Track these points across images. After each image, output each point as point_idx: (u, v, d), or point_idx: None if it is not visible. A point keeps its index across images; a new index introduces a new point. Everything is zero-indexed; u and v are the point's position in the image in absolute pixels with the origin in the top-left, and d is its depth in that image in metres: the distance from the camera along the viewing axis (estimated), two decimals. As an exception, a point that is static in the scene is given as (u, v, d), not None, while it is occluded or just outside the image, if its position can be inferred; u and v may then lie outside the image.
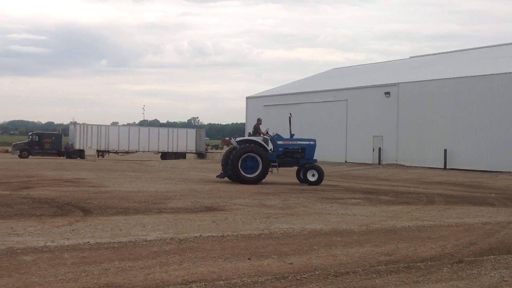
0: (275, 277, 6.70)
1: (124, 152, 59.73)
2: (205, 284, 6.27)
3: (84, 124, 58.74)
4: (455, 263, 7.79)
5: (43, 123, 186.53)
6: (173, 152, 59.81)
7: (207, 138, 75.12)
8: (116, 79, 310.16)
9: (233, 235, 9.49)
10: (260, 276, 6.71)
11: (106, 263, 7.11)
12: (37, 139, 56.61)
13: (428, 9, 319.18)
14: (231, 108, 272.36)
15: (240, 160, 21.07)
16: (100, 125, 58.92)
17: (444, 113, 36.19)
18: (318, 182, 22.02)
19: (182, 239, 8.94)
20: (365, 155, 41.06)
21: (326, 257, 7.97)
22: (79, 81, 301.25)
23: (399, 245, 9.08)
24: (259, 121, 23.68)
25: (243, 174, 21.17)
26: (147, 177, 24.23)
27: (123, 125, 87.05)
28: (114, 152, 59.17)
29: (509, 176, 29.59)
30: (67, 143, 58.09)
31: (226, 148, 51.66)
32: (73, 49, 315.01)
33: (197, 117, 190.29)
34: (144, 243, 8.53)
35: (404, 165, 37.51)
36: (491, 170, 32.60)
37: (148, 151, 60.33)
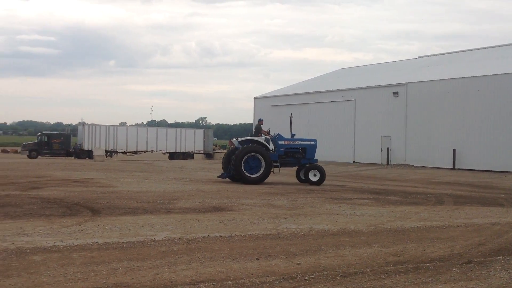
0: (283, 277, 6.69)
1: (132, 153, 59.91)
2: (213, 284, 6.28)
3: (92, 124, 58.98)
4: (464, 264, 7.75)
5: (52, 123, 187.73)
6: (181, 153, 59.92)
7: (215, 138, 75.23)
8: (124, 79, 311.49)
9: (241, 235, 9.49)
10: (268, 276, 6.70)
11: (115, 263, 7.13)
12: (46, 140, 56.90)
13: (437, 8, 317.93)
14: (239, 108, 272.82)
15: (243, 160, 21.06)
16: (109, 126, 59.14)
17: (453, 113, 36.03)
18: (320, 182, 22.02)
19: (190, 239, 8.95)
20: (373, 155, 40.94)
21: (334, 257, 7.96)
22: (87, 82, 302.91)
23: (407, 245, 9.05)
24: (260, 121, 23.70)
25: (246, 174, 21.15)
26: (155, 177, 24.28)
27: (131, 125, 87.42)
28: (123, 153, 59.36)
29: (518, 176, 29.40)
30: (76, 144, 58.34)
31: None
32: (82, 50, 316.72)
33: (205, 118, 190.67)
34: (152, 243, 8.55)
35: (412, 165, 37.38)
36: (500, 170, 32.41)
37: (156, 152, 60.48)
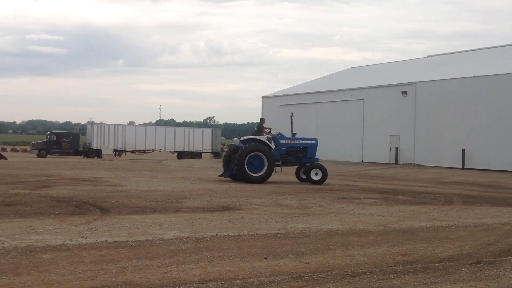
0: (291, 277, 6.69)
1: (141, 152, 60.11)
2: (221, 283, 6.28)
3: (101, 123, 59.23)
4: (474, 264, 7.71)
5: (61, 122, 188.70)
6: (189, 152, 60.05)
7: (223, 138, 75.27)
8: (133, 79, 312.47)
9: (249, 234, 9.49)
10: (276, 276, 6.70)
11: (124, 261, 7.16)
12: (55, 139, 57.20)
13: (446, 7, 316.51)
14: (247, 108, 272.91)
15: (246, 159, 21.04)
16: (117, 125, 59.37)
17: (462, 113, 35.85)
18: (321, 181, 22.00)
19: (198, 238, 8.97)
20: (382, 154, 40.84)
21: (343, 257, 7.94)
22: (96, 81, 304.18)
23: (416, 245, 9.02)
24: (262, 120, 23.68)
25: (249, 173, 21.13)
26: (164, 176, 24.34)
27: (140, 124, 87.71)
28: (131, 152, 59.58)
29: (528, 176, 29.22)
30: (85, 143, 58.60)
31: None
32: (91, 49, 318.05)
33: (213, 117, 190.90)
34: (161, 242, 8.57)
35: (421, 165, 37.24)
36: (510, 170, 32.23)
37: (165, 151, 60.66)
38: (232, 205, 13.76)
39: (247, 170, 21.09)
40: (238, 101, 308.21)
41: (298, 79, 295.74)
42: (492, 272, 7.28)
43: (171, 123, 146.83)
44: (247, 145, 21.50)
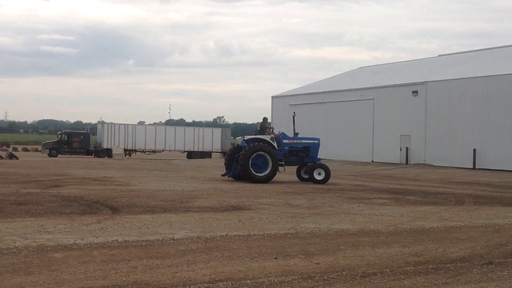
0: (301, 277, 6.68)
1: (151, 151, 60.32)
2: (232, 283, 6.29)
3: (111, 123, 59.51)
4: (485, 265, 7.66)
5: (72, 122, 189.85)
6: (199, 151, 60.16)
7: (232, 137, 75.33)
8: (143, 79, 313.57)
9: (259, 234, 9.49)
10: (286, 276, 6.70)
11: (134, 261, 7.18)
12: (66, 138, 57.53)
13: (457, 6, 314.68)
14: (257, 108, 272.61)
15: (250, 159, 21.03)
16: (127, 125, 59.62)
17: (473, 112, 35.63)
18: (324, 180, 21.97)
19: (208, 238, 8.98)
20: (392, 154, 40.68)
21: (353, 257, 7.92)
22: (106, 81, 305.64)
23: (427, 246, 8.97)
24: (265, 119, 23.63)
25: (254, 173, 21.10)
26: (173, 176, 24.41)
27: (150, 124, 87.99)
28: (141, 151, 59.80)
29: (540, 176, 28.97)
30: (96, 142, 58.88)
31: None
32: (101, 49, 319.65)
33: (222, 117, 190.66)
34: (171, 241, 8.59)
35: (432, 165, 37.06)
36: (522, 170, 31.96)
37: (174, 150, 60.81)
38: (242, 205, 13.77)
39: (251, 170, 21.05)
40: (248, 101, 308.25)
41: (308, 79, 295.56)
42: (504, 273, 7.22)
43: (181, 122, 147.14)
44: (251, 144, 21.45)
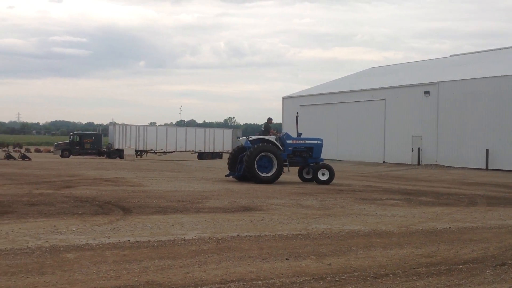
0: (313, 278, 6.66)
1: (162, 152, 60.53)
2: (243, 284, 6.29)
3: (123, 124, 59.81)
4: (498, 266, 7.60)
5: (84, 123, 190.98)
6: (209, 152, 60.26)
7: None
8: (154, 80, 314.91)
9: (270, 235, 9.49)
10: (298, 277, 6.69)
11: (146, 261, 7.21)
12: (78, 139, 57.89)
13: (469, 6, 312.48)
14: (267, 108, 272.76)
15: (256, 160, 20.98)
16: (139, 126, 59.89)
17: (486, 113, 35.36)
18: (328, 181, 21.94)
19: (220, 238, 8.99)
20: (404, 155, 40.47)
21: (365, 258, 7.89)
22: (118, 82, 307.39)
23: (440, 247, 8.92)
24: (269, 120, 23.59)
25: (260, 173, 21.06)
26: (184, 176, 24.47)
27: (161, 125, 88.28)
28: (152, 152, 60.01)
29: (554, 177, 28.69)
30: (109, 143, 59.14)
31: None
32: (113, 50, 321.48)
33: (233, 117, 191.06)
34: (182, 242, 8.61)
35: (444, 166, 36.82)
36: (535, 171, 31.67)
37: (185, 151, 60.97)
38: (253, 205, 13.76)
39: (257, 171, 21.02)
40: (259, 102, 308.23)
41: (318, 80, 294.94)
42: (518, 275, 7.16)
43: (191, 123, 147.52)
44: (256, 145, 21.38)
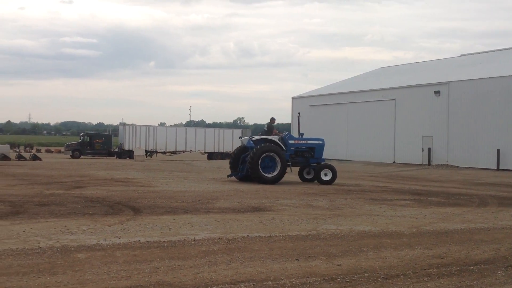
0: (323, 279, 6.65)
1: (172, 153, 60.68)
2: (253, 284, 6.29)
3: (133, 125, 60.05)
4: (510, 267, 7.56)
5: (94, 124, 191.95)
6: (219, 153, 60.32)
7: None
8: (163, 80, 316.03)
9: (280, 235, 9.48)
10: (308, 277, 6.68)
11: (157, 261, 7.23)
12: (88, 140, 58.15)
13: (480, 5, 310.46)
14: (277, 109, 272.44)
15: (260, 160, 20.91)
16: (148, 126, 60.09)
17: (497, 113, 35.11)
18: (331, 181, 21.92)
19: (230, 239, 8.99)
20: (414, 155, 40.27)
21: (376, 259, 7.86)
22: (128, 83, 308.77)
23: (451, 247, 8.87)
24: (272, 120, 23.54)
25: (263, 174, 21.00)
26: (194, 177, 24.51)
27: (171, 126, 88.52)
28: (162, 153, 60.17)
29: None
30: (120, 144, 59.35)
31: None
32: (123, 51, 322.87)
33: (242, 118, 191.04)
34: (192, 242, 8.63)
35: (455, 166, 36.60)
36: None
37: (195, 151, 61.08)
38: (263, 206, 13.76)
39: (261, 171, 20.97)
40: (268, 102, 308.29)
41: (328, 80, 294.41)
42: (530, 276, 7.10)
43: (201, 124, 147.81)
44: (259, 145, 21.29)
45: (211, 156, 59.62)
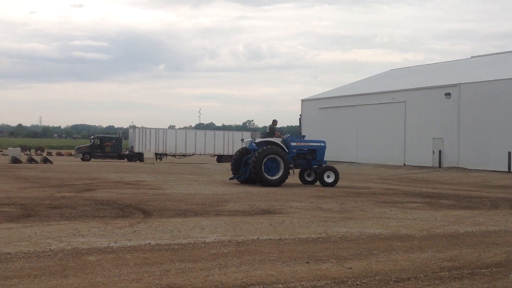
0: (334, 282, 6.63)
1: (181, 155, 60.77)
2: (263, 287, 6.28)
3: (142, 127, 60.20)
4: (523, 271, 7.48)
5: (104, 127, 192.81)
6: (228, 155, 60.22)
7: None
8: (173, 83, 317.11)
9: (290, 238, 9.47)
10: (319, 280, 6.66)
11: (167, 264, 7.24)
12: (98, 143, 58.38)
13: (490, 7, 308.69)
14: (286, 111, 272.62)
15: (263, 162, 20.87)
16: (158, 129, 60.23)
17: (508, 114, 34.84)
18: (334, 183, 21.93)
19: (240, 241, 8.99)
20: (425, 158, 40.07)
21: (386, 262, 7.82)
22: (138, 86, 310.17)
23: (462, 250, 8.81)
24: (274, 122, 23.50)
25: (267, 176, 20.94)
26: (204, 179, 24.54)
27: (180, 128, 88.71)
28: (172, 155, 60.28)
29: None
30: (131, 146, 59.52)
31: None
32: (133, 54, 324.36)
33: (252, 120, 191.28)
34: (203, 245, 8.64)
35: (466, 168, 36.37)
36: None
37: (204, 154, 61.14)
38: (273, 208, 13.75)
39: (264, 173, 20.91)
40: (277, 104, 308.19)
41: (338, 82, 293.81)
42: (543, 279, 7.04)
43: (210, 126, 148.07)
44: (262, 148, 21.21)
45: (221, 158, 59.66)
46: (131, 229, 9.91)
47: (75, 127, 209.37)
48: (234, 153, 62.69)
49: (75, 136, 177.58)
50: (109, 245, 8.39)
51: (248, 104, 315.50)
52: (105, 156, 56.95)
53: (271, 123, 23.57)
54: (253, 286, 6.30)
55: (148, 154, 52.61)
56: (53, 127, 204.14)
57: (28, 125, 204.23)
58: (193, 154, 60.81)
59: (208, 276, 6.69)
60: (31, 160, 43.10)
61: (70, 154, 71.07)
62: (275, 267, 7.26)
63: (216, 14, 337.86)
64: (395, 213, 13.48)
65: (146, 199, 14.91)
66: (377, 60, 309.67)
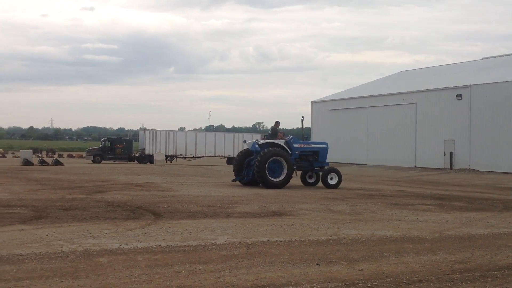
0: (344, 284, 6.61)
1: (191, 157, 60.91)
2: (274, 289, 6.28)
3: (153, 130, 60.41)
4: (536, 273, 7.42)
5: (115, 129, 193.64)
6: (239, 157, 60.32)
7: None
8: (183, 85, 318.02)
9: (301, 240, 9.45)
10: (329, 283, 6.64)
11: (178, 266, 7.26)
12: (109, 145, 58.60)
13: (501, 8, 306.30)
14: (296, 113, 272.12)
15: (267, 164, 20.80)
16: (168, 131, 60.41)
17: (520, 116, 34.60)
18: (337, 185, 21.92)
19: (250, 243, 8.99)
20: (436, 159, 39.88)
21: (397, 264, 7.79)
22: (148, 88, 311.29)
23: (474, 253, 8.76)
24: (277, 123, 23.47)
25: (270, 178, 20.88)
26: (214, 181, 24.58)
27: (190, 130, 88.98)
28: (182, 157, 60.44)
29: None
30: (142, 148, 59.73)
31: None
32: (143, 57, 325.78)
33: (262, 122, 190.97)
34: (213, 247, 8.65)
35: (477, 170, 36.15)
36: None
37: (215, 156, 61.24)
38: (283, 210, 13.74)
39: (268, 175, 20.88)
40: (287, 106, 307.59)
41: (348, 84, 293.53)
42: (556, 282, 6.97)
43: (220, 128, 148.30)
44: (265, 149, 21.17)
45: (231, 160, 59.66)
46: (142, 231, 9.95)
47: (86, 129, 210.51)
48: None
49: (86, 138, 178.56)
50: (120, 246, 8.43)
51: (258, 106, 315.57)
52: (116, 158, 57.14)
53: (273, 124, 23.58)
54: (263, 288, 6.30)
55: (159, 156, 52.78)
56: (64, 130, 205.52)
57: (40, 127, 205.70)
58: (203, 156, 60.93)
59: (219, 278, 6.70)
60: (42, 162, 43.38)
61: (81, 156, 71.44)
62: (286, 269, 7.26)
63: (226, 16, 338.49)
64: (406, 215, 13.42)
65: (156, 201, 14.95)
66: (387, 61, 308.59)
